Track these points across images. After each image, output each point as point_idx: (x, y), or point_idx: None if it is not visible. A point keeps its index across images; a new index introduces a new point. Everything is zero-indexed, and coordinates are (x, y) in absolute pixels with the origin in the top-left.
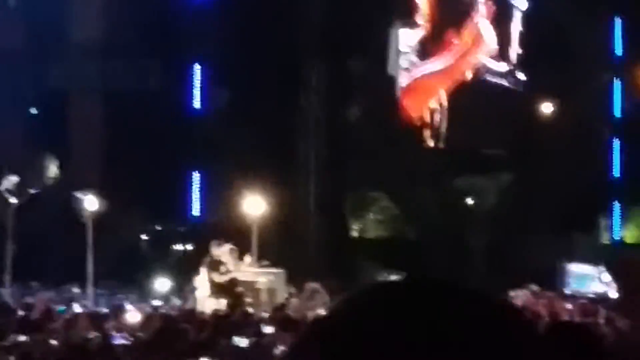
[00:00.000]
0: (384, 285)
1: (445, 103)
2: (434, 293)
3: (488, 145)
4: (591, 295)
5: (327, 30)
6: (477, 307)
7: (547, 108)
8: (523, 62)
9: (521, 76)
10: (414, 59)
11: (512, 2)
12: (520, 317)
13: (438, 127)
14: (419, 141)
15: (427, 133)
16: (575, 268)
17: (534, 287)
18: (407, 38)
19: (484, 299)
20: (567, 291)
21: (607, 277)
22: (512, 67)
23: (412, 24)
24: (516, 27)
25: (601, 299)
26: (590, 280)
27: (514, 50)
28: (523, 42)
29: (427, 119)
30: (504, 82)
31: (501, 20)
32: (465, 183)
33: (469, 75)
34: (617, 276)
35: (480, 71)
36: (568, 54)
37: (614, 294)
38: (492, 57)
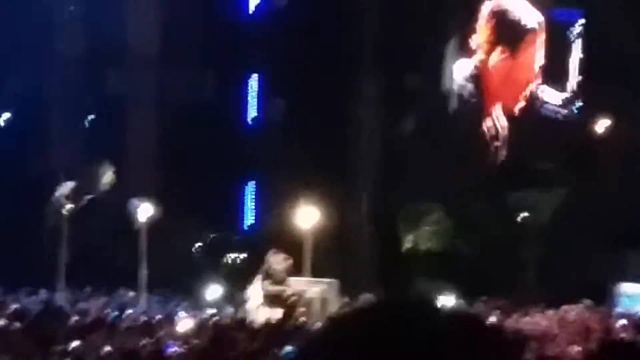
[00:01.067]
0: (367, 309)
1: (503, 122)
2: (408, 314)
3: (542, 161)
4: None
5: (384, 43)
6: (450, 325)
7: (602, 125)
8: (581, 85)
9: (578, 103)
10: (470, 88)
11: (571, 32)
12: (491, 335)
13: (496, 142)
14: (474, 155)
15: (485, 147)
16: (627, 288)
17: (587, 302)
18: (463, 69)
19: (457, 318)
20: (618, 310)
21: None
22: (570, 96)
23: (469, 50)
24: (576, 56)
25: None
26: None
27: (574, 79)
28: (581, 65)
29: (488, 133)
30: (561, 112)
31: (560, 50)
32: (520, 197)
33: (521, 103)
34: None
35: (537, 102)
36: (623, 72)
37: None
38: (551, 86)
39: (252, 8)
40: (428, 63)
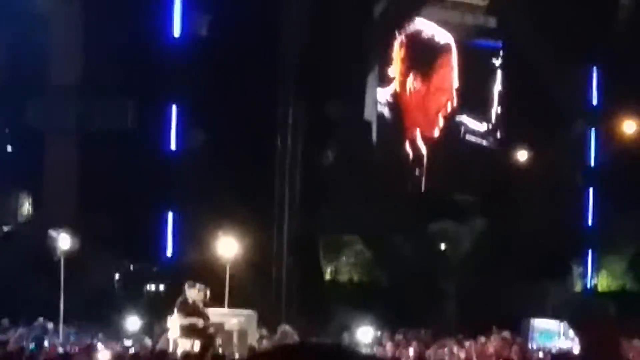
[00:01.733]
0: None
1: (423, 151)
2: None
3: (463, 192)
4: (554, 351)
5: (306, 72)
6: None
7: (522, 157)
8: (502, 115)
9: (500, 134)
10: (388, 115)
11: (491, 63)
12: None
13: (416, 173)
14: (395, 186)
15: (406, 177)
16: (540, 323)
17: (505, 334)
18: (382, 97)
19: None
20: (534, 344)
21: (571, 333)
22: (492, 127)
23: (386, 79)
24: (496, 87)
25: (563, 355)
26: (555, 335)
27: (494, 110)
28: (502, 96)
29: (409, 160)
30: (484, 142)
31: (480, 81)
32: (440, 228)
33: (439, 127)
34: (579, 331)
35: (459, 132)
36: (545, 104)
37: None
38: (472, 117)
39: (174, 35)
40: (350, 92)
